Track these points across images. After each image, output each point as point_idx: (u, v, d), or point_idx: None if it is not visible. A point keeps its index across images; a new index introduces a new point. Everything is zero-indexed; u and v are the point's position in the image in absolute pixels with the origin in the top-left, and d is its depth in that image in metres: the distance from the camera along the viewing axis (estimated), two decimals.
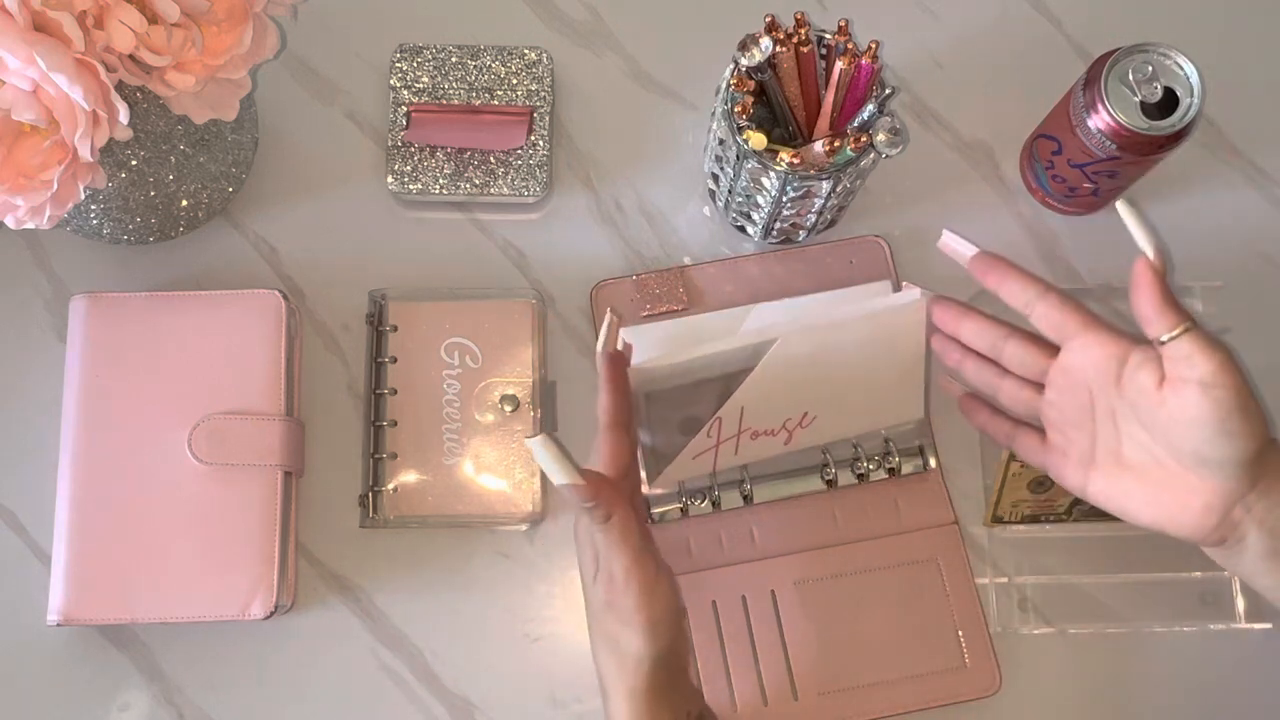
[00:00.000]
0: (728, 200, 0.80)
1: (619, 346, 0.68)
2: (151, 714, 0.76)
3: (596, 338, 0.81)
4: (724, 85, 0.73)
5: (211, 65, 0.65)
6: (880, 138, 0.70)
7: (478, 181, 0.82)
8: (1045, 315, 0.65)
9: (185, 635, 0.76)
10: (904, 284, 0.71)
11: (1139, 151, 0.74)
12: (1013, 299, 0.66)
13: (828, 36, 0.73)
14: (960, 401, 0.75)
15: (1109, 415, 0.64)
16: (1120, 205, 0.63)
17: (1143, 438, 0.62)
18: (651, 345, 0.80)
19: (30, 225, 0.64)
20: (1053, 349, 0.66)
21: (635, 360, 0.69)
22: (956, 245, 0.68)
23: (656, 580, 0.64)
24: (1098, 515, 0.78)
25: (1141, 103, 0.73)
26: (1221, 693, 0.78)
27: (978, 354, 0.70)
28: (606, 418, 0.65)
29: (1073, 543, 0.80)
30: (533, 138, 0.82)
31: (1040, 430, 0.69)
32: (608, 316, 0.67)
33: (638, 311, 0.81)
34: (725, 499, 0.78)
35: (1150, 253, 0.62)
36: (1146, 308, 0.61)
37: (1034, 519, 0.79)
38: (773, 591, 0.77)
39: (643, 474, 0.76)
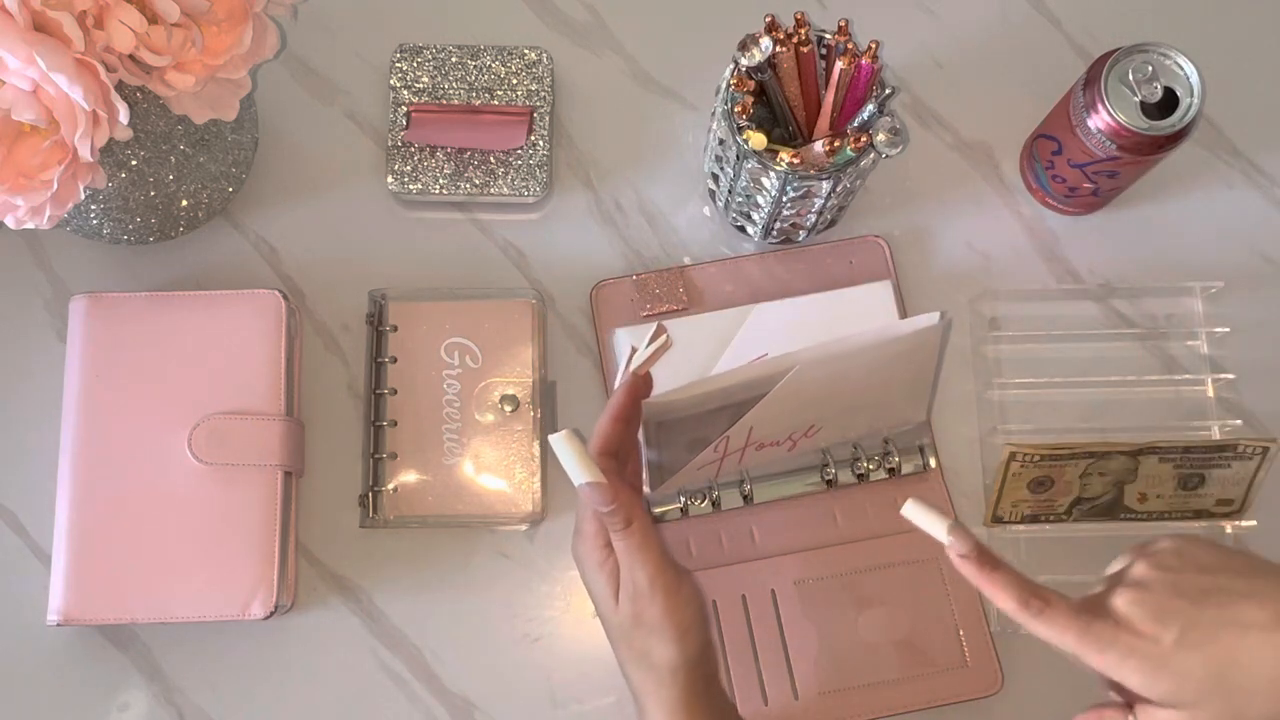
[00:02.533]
0: (728, 200, 0.80)
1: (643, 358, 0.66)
2: (151, 714, 0.76)
3: (599, 336, 0.81)
4: (724, 85, 0.73)
5: (211, 65, 0.65)
6: (880, 138, 0.70)
7: (478, 181, 0.82)
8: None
9: (185, 635, 0.76)
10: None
11: (1139, 151, 0.74)
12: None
13: (828, 36, 0.73)
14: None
15: None
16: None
17: None
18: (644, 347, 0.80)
19: (30, 225, 0.64)
20: None
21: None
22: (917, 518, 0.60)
23: (680, 585, 0.63)
24: (1098, 515, 0.79)
25: (1141, 103, 0.73)
26: None
27: None
28: (599, 443, 0.64)
29: (1073, 543, 0.80)
30: (533, 138, 0.82)
31: None
32: (662, 337, 0.65)
33: (638, 311, 0.81)
34: (725, 498, 0.78)
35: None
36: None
37: (1034, 519, 0.79)
38: (773, 591, 0.77)
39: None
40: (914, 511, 0.59)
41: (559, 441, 0.59)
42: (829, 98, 0.73)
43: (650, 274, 0.82)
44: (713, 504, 0.78)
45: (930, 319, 0.68)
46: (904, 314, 0.81)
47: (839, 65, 0.71)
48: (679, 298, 0.81)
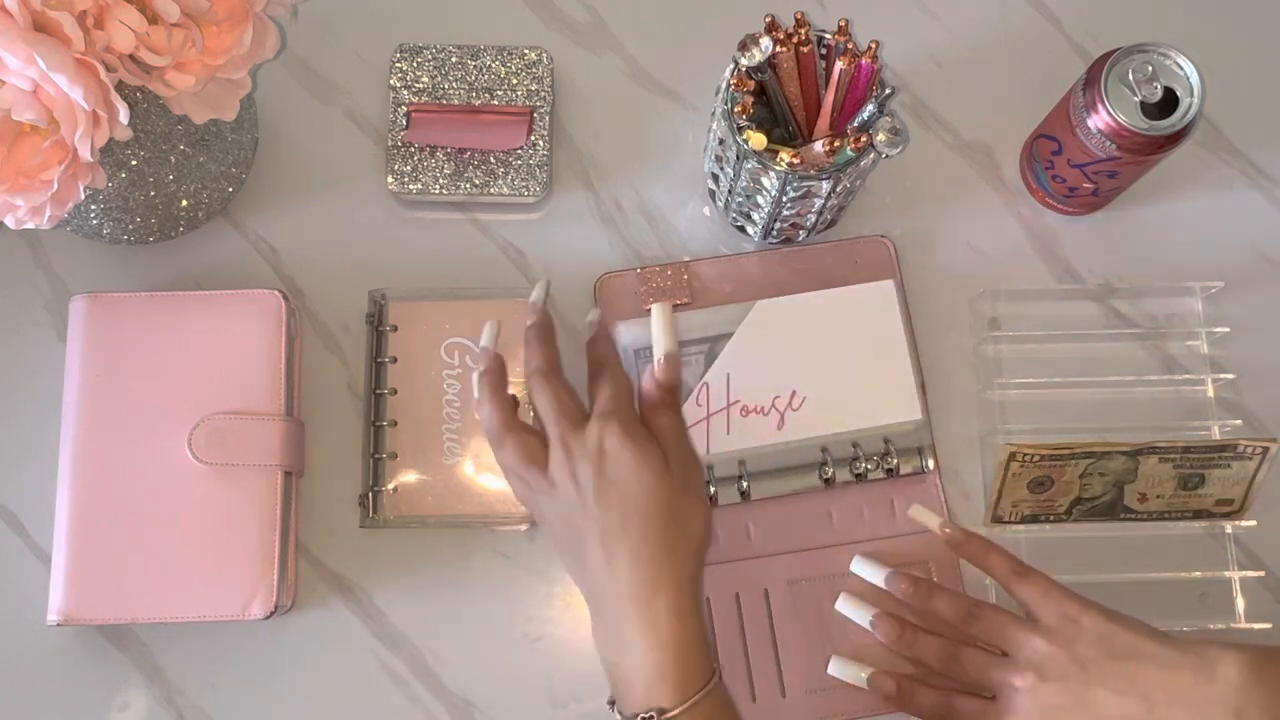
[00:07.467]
0: (728, 200, 0.80)
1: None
2: (151, 714, 0.76)
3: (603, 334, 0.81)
4: (724, 85, 0.73)
5: (211, 65, 0.65)
6: (880, 138, 0.70)
7: (478, 181, 0.82)
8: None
9: (185, 635, 0.76)
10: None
11: (1139, 151, 0.74)
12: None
13: (828, 36, 0.73)
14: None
15: None
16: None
17: None
18: (650, 340, 0.80)
19: (30, 225, 0.64)
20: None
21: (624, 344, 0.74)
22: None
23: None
24: (1098, 515, 0.79)
25: (1141, 103, 0.73)
26: None
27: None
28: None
29: (1073, 543, 0.80)
30: (533, 138, 0.82)
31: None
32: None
33: (640, 305, 0.81)
34: (723, 494, 0.78)
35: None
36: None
37: (1034, 519, 0.79)
38: (766, 590, 0.77)
39: None
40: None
41: (662, 308, 0.70)
42: (829, 98, 0.73)
43: (654, 267, 0.82)
44: (710, 500, 0.78)
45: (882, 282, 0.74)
46: (907, 314, 0.81)
47: (839, 65, 0.71)
48: (683, 292, 0.81)
